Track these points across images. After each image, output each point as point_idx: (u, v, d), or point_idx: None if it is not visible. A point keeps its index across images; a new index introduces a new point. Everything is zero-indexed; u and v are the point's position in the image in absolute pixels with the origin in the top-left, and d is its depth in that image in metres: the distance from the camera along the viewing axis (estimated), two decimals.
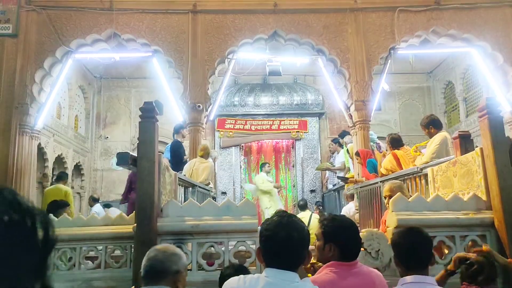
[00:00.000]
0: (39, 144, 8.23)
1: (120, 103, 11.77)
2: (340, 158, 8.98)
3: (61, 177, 7.87)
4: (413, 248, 2.18)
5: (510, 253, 3.05)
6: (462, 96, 10.72)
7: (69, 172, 10.05)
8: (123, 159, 3.55)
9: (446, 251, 3.39)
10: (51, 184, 9.57)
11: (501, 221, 3.20)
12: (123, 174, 10.95)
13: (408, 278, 2.11)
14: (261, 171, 9.47)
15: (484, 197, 3.39)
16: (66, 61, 7.77)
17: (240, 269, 2.69)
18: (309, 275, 2.12)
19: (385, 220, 3.72)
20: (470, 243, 3.39)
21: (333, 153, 9.75)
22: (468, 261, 2.20)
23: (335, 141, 9.45)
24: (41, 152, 8.77)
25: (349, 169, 8.27)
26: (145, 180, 3.39)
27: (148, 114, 3.51)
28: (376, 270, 2.19)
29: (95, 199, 9.49)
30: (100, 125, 11.65)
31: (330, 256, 2.06)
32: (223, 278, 2.63)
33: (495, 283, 2.17)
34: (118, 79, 11.65)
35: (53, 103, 8.35)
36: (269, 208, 8.60)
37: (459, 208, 3.36)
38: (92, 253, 3.66)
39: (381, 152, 6.84)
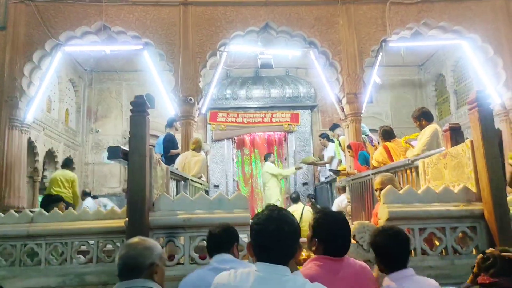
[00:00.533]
0: (29, 138, 8.14)
1: (111, 96, 11.66)
2: (329, 152, 8.97)
3: (67, 164, 7.83)
4: (391, 249, 2.23)
5: (500, 244, 3.08)
6: (453, 88, 10.77)
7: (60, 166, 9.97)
8: (114, 153, 3.54)
9: (437, 243, 3.43)
10: (42, 178, 9.52)
11: (490, 213, 3.24)
12: (114, 168, 10.92)
13: (388, 280, 2.18)
14: (266, 161, 9.46)
15: (474, 189, 3.42)
16: (56, 54, 7.68)
17: (228, 229, 2.71)
18: (299, 267, 2.13)
19: (377, 212, 3.75)
20: (460, 234, 3.43)
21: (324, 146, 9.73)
22: (486, 255, 2.21)
23: (323, 136, 9.36)
24: (31, 146, 8.68)
25: (340, 162, 8.29)
26: (136, 174, 3.38)
27: (139, 108, 3.49)
28: (362, 263, 2.21)
29: (87, 193, 9.43)
30: (91, 119, 11.55)
31: (315, 250, 2.08)
32: (212, 236, 2.67)
33: (509, 277, 2.14)
34: (109, 72, 11.54)
35: (43, 96, 8.24)
36: (280, 201, 8.66)
37: (450, 200, 3.39)
38: (84, 248, 3.64)
39: (373, 146, 6.86)
